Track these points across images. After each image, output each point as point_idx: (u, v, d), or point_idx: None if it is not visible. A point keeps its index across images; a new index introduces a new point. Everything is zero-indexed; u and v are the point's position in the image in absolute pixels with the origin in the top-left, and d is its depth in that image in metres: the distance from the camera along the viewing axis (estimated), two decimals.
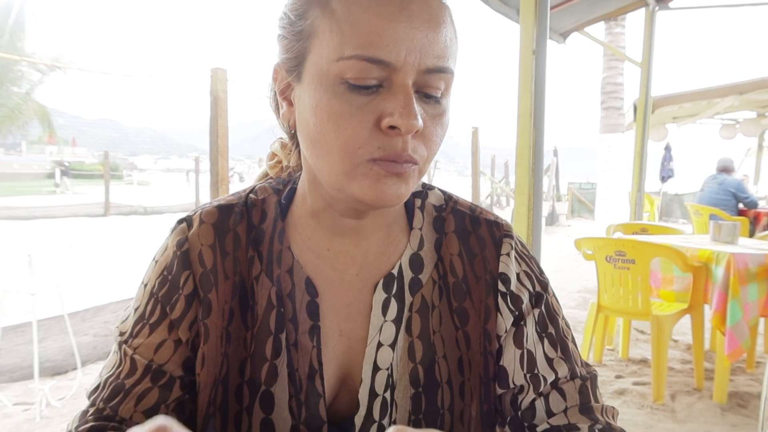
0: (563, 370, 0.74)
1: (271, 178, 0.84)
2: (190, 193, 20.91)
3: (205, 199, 16.16)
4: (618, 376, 3.54)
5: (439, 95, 0.63)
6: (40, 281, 3.24)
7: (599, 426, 0.71)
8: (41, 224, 13.61)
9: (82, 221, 14.76)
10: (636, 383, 3.42)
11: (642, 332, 4.41)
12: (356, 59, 0.58)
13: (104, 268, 7.80)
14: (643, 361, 3.78)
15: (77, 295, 5.40)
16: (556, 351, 0.75)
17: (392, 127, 0.59)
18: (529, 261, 0.79)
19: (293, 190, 0.78)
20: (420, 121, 0.59)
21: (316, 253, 0.74)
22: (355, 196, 0.62)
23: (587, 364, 0.78)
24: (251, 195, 0.78)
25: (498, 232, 0.78)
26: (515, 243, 0.78)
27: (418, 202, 0.79)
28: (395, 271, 0.74)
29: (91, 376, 3.55)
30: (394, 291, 0.73)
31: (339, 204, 0.69)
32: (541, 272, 0.79)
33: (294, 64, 0.65)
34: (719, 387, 3.13)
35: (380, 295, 0.73)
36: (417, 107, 0.59)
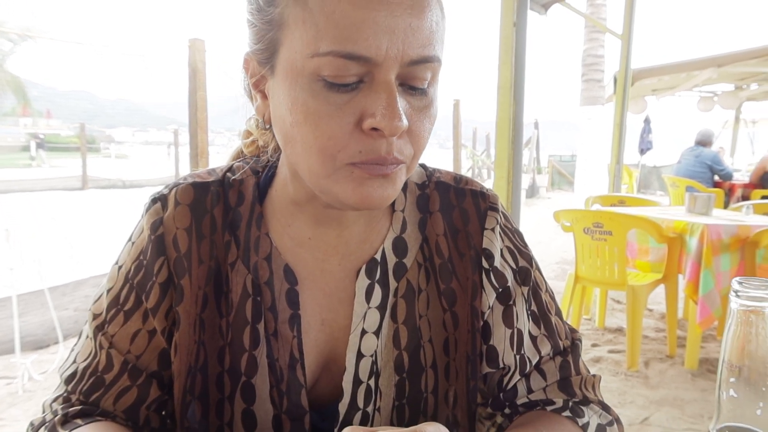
0: (546, 348, 0.74)
1: (248, 157, 0.79)
2: (169, 166, 20.65)
3: (186, 172, 15.95)
4: (594, 345, 3.63)
5: (426, 86, 0.58)
6: (18, 255, 3.20)
7: (575, 399, 0.73)
8: (18, 198, 13.38)
9: (60, 195, 14.53)
10: (611, 351, 3.51)
11: (618, 302, 4.51)
12: (332, 56, 0.53)
13: (84, 241, 7.72)
14: (619, 330, 3.88)
15: (57, 269, 5.36)
16: (540, 328, 0.75)
17: (375, 129, 0.55)
18: (512, 235, 0.77)
19: (272, 174, 0.74)
20: (404, 122, 0.55)
21: (296, 241, 0.71)
22: (338, 198, 0.59)
23: (573, 330, 0.78)
24: (228, 173, 0.74)
25: (483, 203, 0.76)
26: (500, 217, 0.76)
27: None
28: (378, 256, 0.72)
29: None
30: (377, 277, 0.71)
31: (323, 197, 0.64)
32: (525, 245, 0.78)
33: (266, 56, 0.60)
34: (691, 354, 3.23)
35: (363, 282, 0.70)
36: (401, 104, 0.56)
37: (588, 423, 0.71)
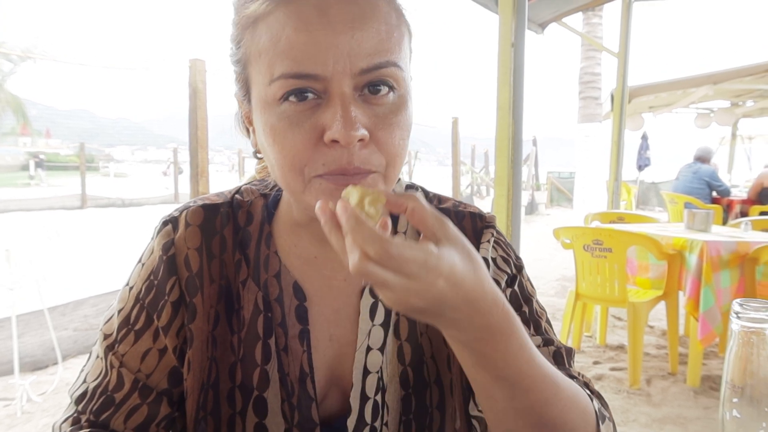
0: (536, 341, 0.74)
1: (255, 180, 0.83)
2: (169, 185, 20.68)
3: (185, 191, 15.98)
4: (596, 362, 3.62)
5: (387, 92, 0.60)
6: (18, 276, 3.20)
7: (579, 379, 0.70)
8: (17, 217, 13.38)
9: (59, 214, 14.53)
10: (613, 368, 3.49)
11: (619, 319, 4.50)
12: (284, 78, 0.57)
13: (83, 261, 7.71)
14: (620, 347, 3.86)
15: (56, 289, 5.34)
16: (529, 328, 0.75)
17: (335, 141, 0.56)
18: (506, 247, 0.79)
19: (279, 195, 0.77)
20: (360, 131, 0.56)
21: (303, 259, 0.73)
22: (315, 215, 0.60)
23: (563, 344, 0.78)
24: (237, 196, 0.77)
25: (480, 223, 0.79)
26: (494, 233, 0.79)
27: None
28: None
29: (72, 370, 3.52)
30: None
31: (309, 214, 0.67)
32: (518, 258, 0.80)
33: (243, 93, 0.66)
34: (692, 371, 3.22)
35: (367, 300, 0.73)
36: (362, 113, 0.58)
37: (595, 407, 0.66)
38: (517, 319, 0.55)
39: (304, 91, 0.57)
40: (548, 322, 0.78)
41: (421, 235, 0.52)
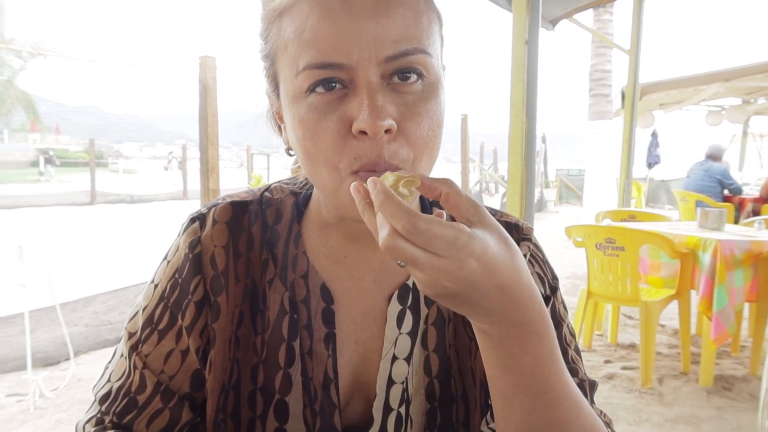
0: None
1: (287, 179, 0.81)
2: (177, 182, 20.76)
3: (194, 187, 16.02)
4: (607, 361, 3.60)
5: (416, 80, 0.58)
6: (30, 272, 3.22)
7: (602, 418, 0.67)
8: (26, 213, 13.47)
9: (69, 210, 14.63)
10: (624, 368, 3.48)
11: (630, 317, 4.48)
12: (309, 69, 0.56)
13: (93, 257, 7.76)
14: (632, 346, 3.84)
15: (67, 285, 5.38)
16: None
17: (363, 132, 0.55)
18: (542, 264, 0.76)
19: (309, 193, 0.75)
20: (387, 120, 0.54)
21: (332, 259, 0.71)
22: (351, 211, 0.58)
23: (587, 376, 0.74)
24: (266, 194, 0.75)
25: (517, 234, 0.76)
26: (532, 246, 0.76)
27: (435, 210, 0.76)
28: (410, 282, 0.71)
29: (84, 366, 3.54)
30: (409, 303, 0.71)
31: (343, 213, 0.65)
32: (554, 276, 0.77)
33: (273, 87, 0.65)
34: (705, 370, 3.20)
35: (395, 307, 0.70)
36: (390, 103, 0.56)
37: None
38: (552, 326, 0.53)
39: (330, 81, 0.56)
40: (577, 350, 0.74)
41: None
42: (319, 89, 0.56)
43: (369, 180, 0.48)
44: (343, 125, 0.56)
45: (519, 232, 0.76)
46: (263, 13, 0.63)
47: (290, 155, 0.73)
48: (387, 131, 0.55)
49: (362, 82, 0.55)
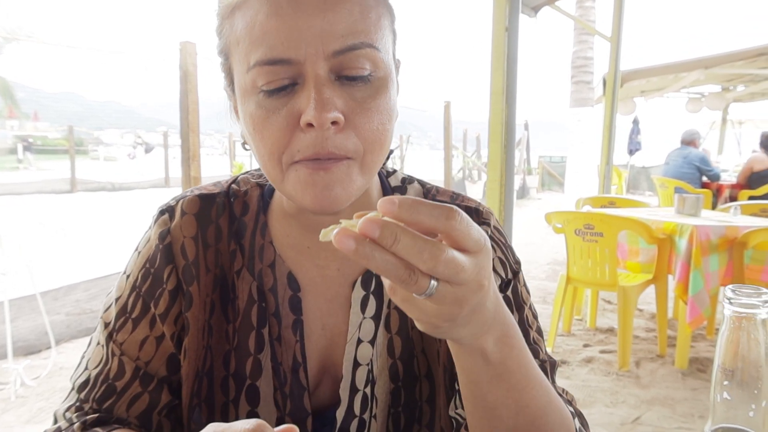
0: None
1: (252, 170, 0.82)
2: (159, 169, 20.54)
3: (175, 174, 15.87)
4: (586, 345, 3.67)
5: (367, 74, 0.58)
6: (9, 260, 3.19)
7: (564, 397, 0.69)
8: (5, 201, 13.26)
9: (49, 198, 14.42)
10: (603, 351, 3.54)
11: (609, 302, 4.55)
12: (259, 65, 0.57)
13: (74, 245, 7.68)
14: (610, 330, 3.91)
15: (49, 274, 5.32)
16: None
17: (310, 125, 0.56)
18: (504, 248, 0.76)
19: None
20: (333, 113, 0.55)
21: (297, 249, 0.73)
22: (296, 201, 0.61)
23: (549, 355, 0.76)
24: (233, 186, 0.77)
25: (477, 218, 0.76)
26: (492, 230, 0.76)
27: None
28: None
29: (65, 355, 3.53)
30: (372, 288, 0.73)
31: (293, 203, 0.67)
32: (516, 260, 0.77)
33: (229, 82, 0.66)
34: (681, 353, 3.27)
35: (359, 293, 0.72)
36: (337, 96, 0.57)
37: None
38: (510, 313, 0.55)
39: (279, 77, 0.57)
40: (538, 331, 0.75)
41: None
42: (270, 85, 0.58)
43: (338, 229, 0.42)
44: (292, 120, 0.57)
45: (479, 216, 0.77)
46: (218, 9, 0.64)
47: (246, 149, 0.74)
48: (334, 123, 0.56)
49: (310, 77, 0.56)
